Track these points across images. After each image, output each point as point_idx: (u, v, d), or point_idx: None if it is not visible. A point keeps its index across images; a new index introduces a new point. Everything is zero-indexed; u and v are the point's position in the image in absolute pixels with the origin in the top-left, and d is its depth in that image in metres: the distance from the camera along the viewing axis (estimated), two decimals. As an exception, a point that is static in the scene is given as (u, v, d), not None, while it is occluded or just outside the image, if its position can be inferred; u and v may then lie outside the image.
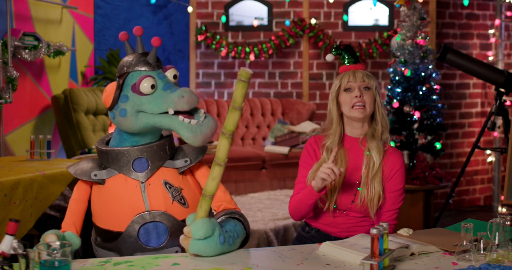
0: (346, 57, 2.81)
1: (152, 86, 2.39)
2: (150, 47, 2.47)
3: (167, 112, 2.39)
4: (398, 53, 5.61)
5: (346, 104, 2.76)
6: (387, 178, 2.76)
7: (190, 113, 2.40)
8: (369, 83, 2.76)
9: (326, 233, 2.85)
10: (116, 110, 2.44)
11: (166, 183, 2.49)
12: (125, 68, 2.46)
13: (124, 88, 2.44)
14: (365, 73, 2.79)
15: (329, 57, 2.84)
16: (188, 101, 2.35)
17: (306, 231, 2.92)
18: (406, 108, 5.48)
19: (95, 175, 2.49)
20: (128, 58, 2.48)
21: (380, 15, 7.10)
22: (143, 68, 2.44)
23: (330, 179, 2.57)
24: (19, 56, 5.30)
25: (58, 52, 5.79)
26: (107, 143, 2.61)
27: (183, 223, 2.44)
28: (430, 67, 5.57)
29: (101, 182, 2.49)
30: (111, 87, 2.48)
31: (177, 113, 2.39)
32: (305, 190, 2.70)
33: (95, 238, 2.56)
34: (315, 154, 2.85)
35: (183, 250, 2.44)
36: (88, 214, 2.57)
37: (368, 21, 7.11)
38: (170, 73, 2.47)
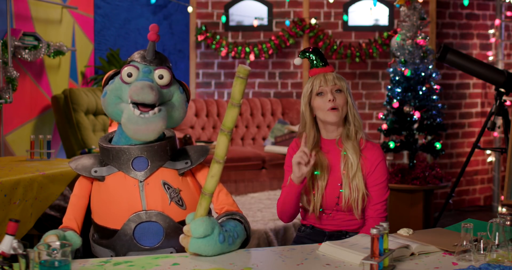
0: (315, 60, 2.83)
1: (129, 75, 2.47)
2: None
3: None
4: (398, 53, 5.60)
5: (320, 108, 2.78)
6: (368, 174, 2.78)
7: (151, 107, 2.43)
8: (341, 85, 2.78)
9: (320, 229, 2.87)
10: (103, 91, 2.55)
11: (164, 183, 2.49)
12: (128, 59, 2.57)
13: (118, 74, 2.54)
14: (336, 75, 2.80)
15: (297, 61, 2.89)
16: (135, 90, 2.39)
17: (302, 231, 2.94)
18: (406, 108, 5.48)
19: (95, 171, 2.50)
20: (135, 53, 2.58)
21: (380, 15, 7.10)
22: (137, 59, 2.53)
23: (303, 160, 2.61)
24: (19, 56, 5.29)
25: (58, 52, 5.79)
26: (110, 140, 2.62)
27: (179, 224, 2.45)
28: (430, 67, 5.57)
29: (101, 178, 2.51)
30: (111, 71, 2.60)
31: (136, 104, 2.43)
32: (287, 186, 2.75)
33: (93, 234, 2.57)
34: None
35: (178, 251, 2.45)
36: (88, 210, 2.58)
37: (368, 21, 7.11)
38: (157, 72, 2.50)
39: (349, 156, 2.77)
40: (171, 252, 2.46)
